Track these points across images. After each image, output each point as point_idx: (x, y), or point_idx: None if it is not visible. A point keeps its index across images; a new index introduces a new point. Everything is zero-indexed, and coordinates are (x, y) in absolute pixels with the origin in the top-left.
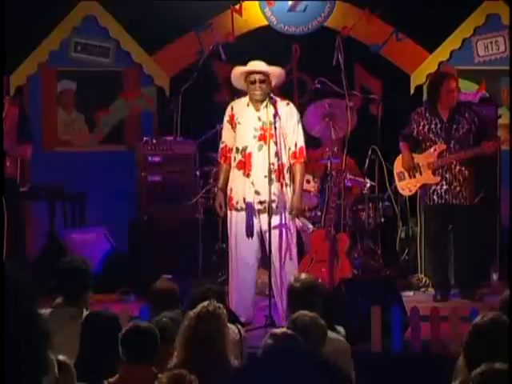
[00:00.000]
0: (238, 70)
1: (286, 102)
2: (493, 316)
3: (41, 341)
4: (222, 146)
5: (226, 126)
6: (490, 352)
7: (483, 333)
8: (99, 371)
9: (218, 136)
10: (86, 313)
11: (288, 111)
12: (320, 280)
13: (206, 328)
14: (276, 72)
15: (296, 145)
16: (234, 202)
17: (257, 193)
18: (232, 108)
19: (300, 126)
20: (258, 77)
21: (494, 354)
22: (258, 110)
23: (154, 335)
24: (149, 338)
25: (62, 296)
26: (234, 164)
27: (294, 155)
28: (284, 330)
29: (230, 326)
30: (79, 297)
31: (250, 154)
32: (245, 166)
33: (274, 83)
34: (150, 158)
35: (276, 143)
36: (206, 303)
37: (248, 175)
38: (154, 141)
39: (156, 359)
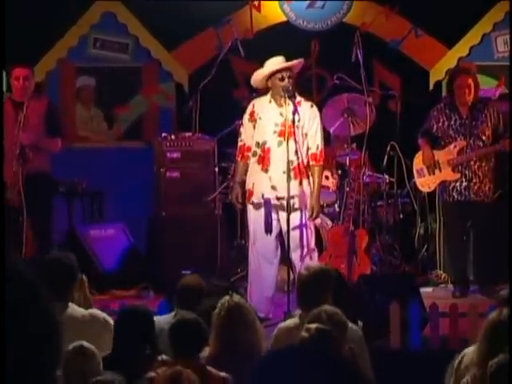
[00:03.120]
0: (263, 73)
1: (310, 103)
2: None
3: (58, 336)
4: (240, 143)
5: (245, 124)
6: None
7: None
8: (133, 365)
9: (236, 132)
10: (70, 307)
11: (311, 113)
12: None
13: (238, 319)
14: (300, 65)
15: (317, 147)
16: (253, 196)
17: (273, 188)
18: (254, 105)
19: (321, 128)
20: (286, 74)
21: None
22: (280, 106)
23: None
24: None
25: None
26: (253, 158)
27: (315, 157)
28: (318, 325)
29: None
30: (64, 291)
31: (268, 149)
32: (263, 160)
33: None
34: (168, 154)
35: (296, 141)
36: (227, 297)
37: (266, 170)
38: (173, 137)
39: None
